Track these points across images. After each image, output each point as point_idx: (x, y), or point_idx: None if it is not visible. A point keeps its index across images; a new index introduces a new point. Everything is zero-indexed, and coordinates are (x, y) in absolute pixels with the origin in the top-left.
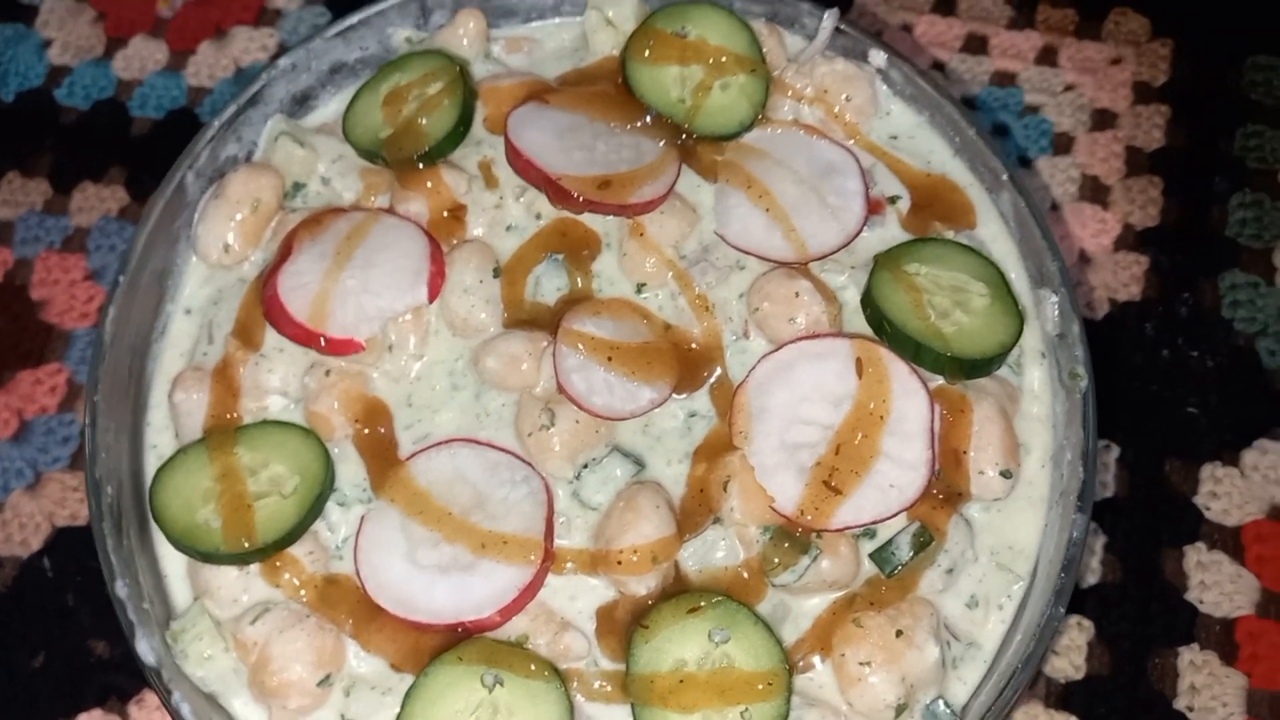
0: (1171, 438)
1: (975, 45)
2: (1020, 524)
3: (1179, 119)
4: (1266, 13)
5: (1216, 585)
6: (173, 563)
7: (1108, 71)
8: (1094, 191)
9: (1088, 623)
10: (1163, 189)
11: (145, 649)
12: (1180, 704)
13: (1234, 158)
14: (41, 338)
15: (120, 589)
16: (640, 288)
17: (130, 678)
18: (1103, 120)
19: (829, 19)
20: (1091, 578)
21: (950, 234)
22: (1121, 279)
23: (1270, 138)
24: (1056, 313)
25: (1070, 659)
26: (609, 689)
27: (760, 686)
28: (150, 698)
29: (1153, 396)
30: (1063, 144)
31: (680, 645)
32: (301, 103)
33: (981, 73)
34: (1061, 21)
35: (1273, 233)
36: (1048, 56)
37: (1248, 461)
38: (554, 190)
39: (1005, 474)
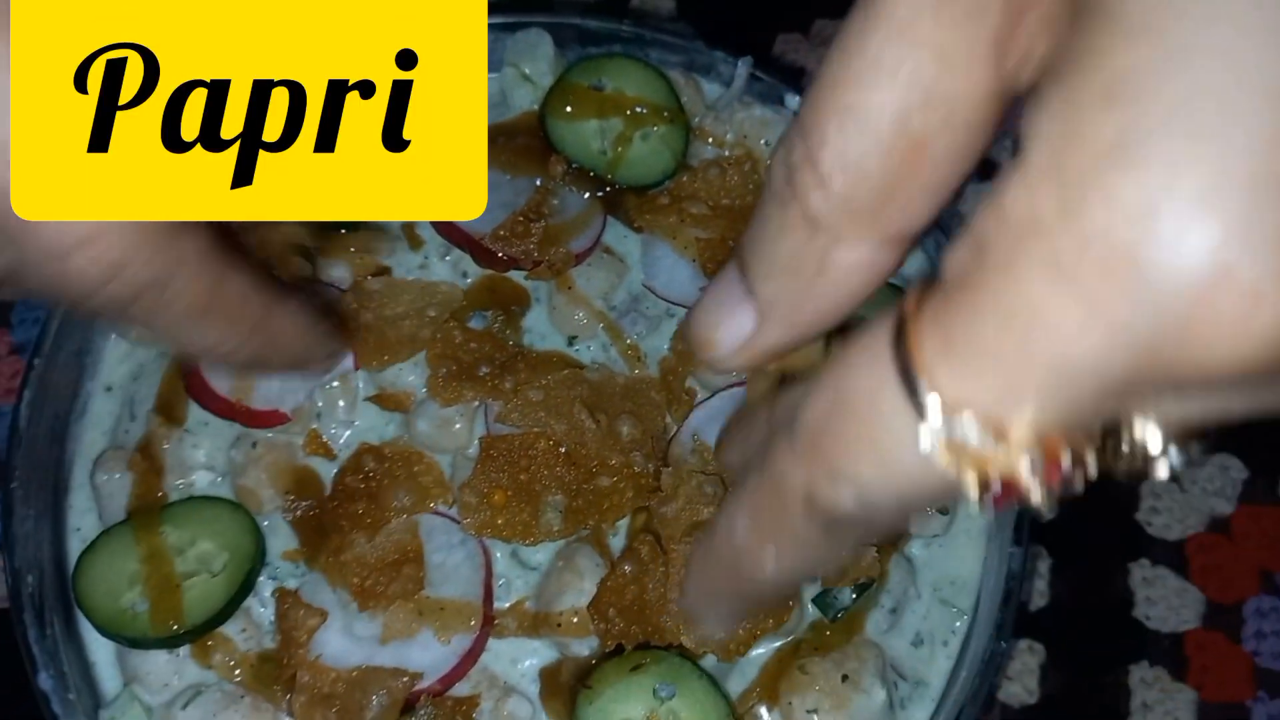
0: None
1: None
2: (961, 558)
3: None
4: None
5: (1163, 600)
6: (101, 649)
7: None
8: None
9: (1039, 646)
10: None
11: None
12: None
13: None
14: None
15: (44, 681)
16: (572, 340)
17: None
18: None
19: (743, 66)
20: (1040, 600)
21: None
22: None
23: None
24: None
25: (1024, 683)
26: None
27: None
28: None
29: None
30: (987, 170)
31: (625, 704)
32: None
33: None
34: None
35: None
36: None
37: (1186, 475)
38: (478, 251)
39: (942, 511)
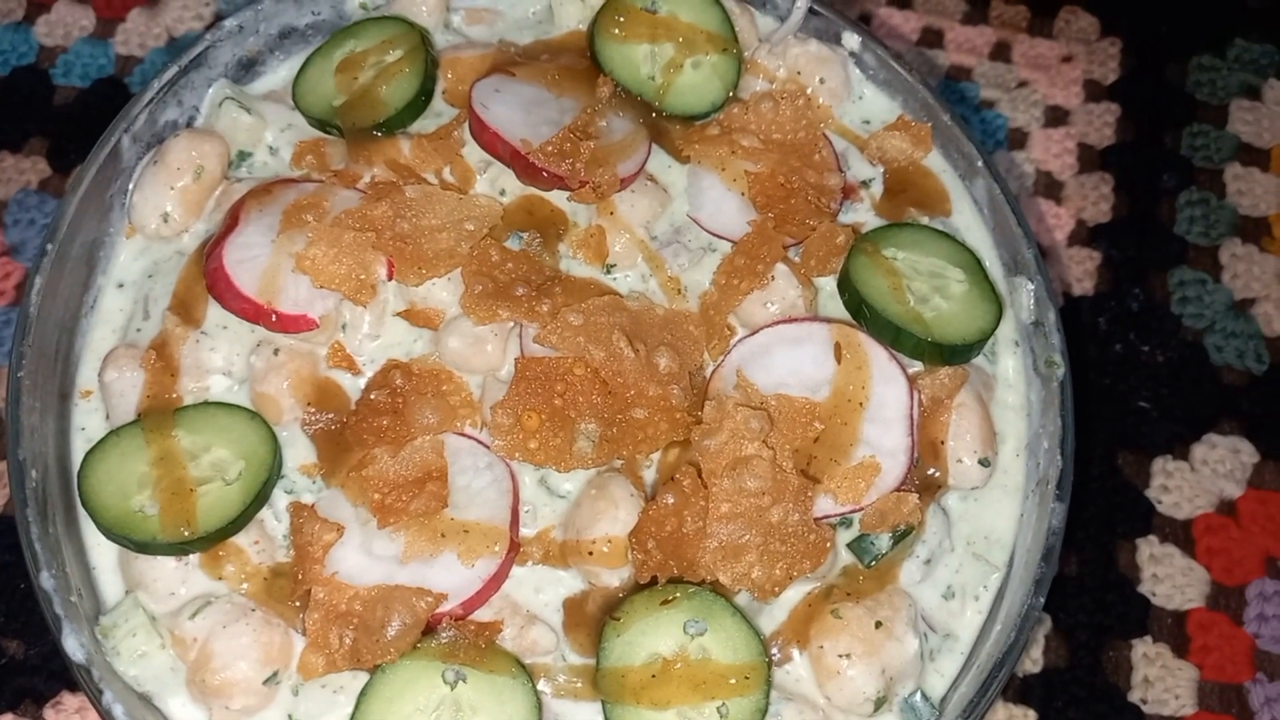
0: (1124, 431)
1: (931, 39)
2: (996, 514)
3: (1128, 117)
4: (1208, 14)
5: (1169, 578)
6: (102, 554)
7: (1060, 69)
8: (1048, 187)
9: (1044, 615)
10: (1113, 185)
11: (73, 645)
12: (1135, 696)
13: (1181, 156)
14: None
15: (46, 580)
16: (609, 269)
17: (47, 679)
18: (1056, 117)
19: (801, 0)
20: None
21: (925, 220)
22: (1075, 274)
23: (1215, 137)
24: (1032, 300)
25: (1028, 652)
26: (578, 685)
27: (735, 680)
28: (68, 701)
29: (1106, 390)
30: (1017, 139)
31: (654, 638)
32: (248, 68)
33: (937, 66)
34: (1014, 18)
35: (1219, 230)
36: (1001, 52)
37: (1197, 455)
38: (522, 166)
39: (984, 462)
